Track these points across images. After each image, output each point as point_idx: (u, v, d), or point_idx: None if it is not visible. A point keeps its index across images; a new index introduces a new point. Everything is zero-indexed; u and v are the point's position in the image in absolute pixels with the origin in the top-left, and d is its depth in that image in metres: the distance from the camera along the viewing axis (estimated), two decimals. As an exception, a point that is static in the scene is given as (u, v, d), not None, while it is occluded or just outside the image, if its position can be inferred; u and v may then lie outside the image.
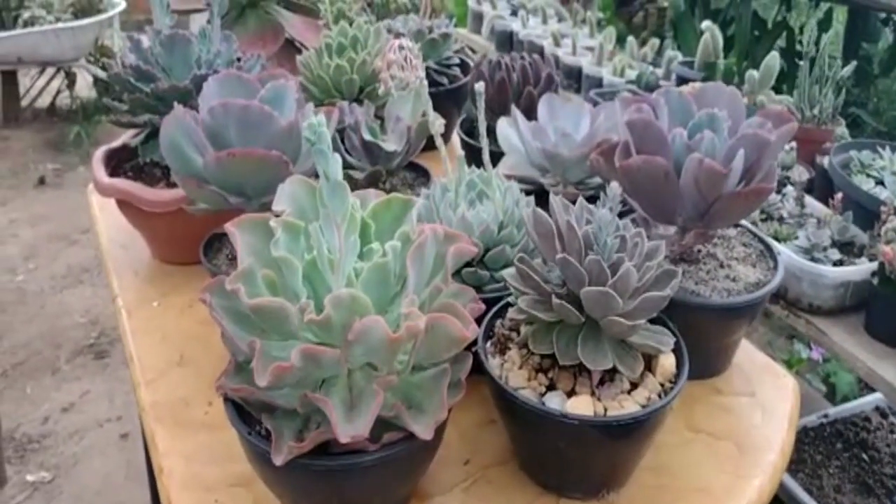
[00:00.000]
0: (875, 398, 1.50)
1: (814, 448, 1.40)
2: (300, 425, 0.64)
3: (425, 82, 0.74)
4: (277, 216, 0.66)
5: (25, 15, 3.48)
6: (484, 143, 0.76)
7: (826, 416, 1.46)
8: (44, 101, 4.04)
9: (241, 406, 0.65)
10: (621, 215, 0.86)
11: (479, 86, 0.69)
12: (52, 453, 2.02)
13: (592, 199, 0.92)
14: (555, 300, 0.66)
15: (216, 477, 0.74)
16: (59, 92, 4.03)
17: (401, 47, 0.68)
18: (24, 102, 3.99)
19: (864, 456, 1.38)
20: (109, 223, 1.16)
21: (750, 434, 0.78)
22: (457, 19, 2.26)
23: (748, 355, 0.89)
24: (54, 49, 3.45)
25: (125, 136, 1.07)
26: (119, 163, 1.05)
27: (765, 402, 0.82)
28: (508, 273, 0.72)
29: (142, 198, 0.95)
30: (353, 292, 0.58)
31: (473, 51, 2.46)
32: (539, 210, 0.69)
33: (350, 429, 0.59)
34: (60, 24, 3.48)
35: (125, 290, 1.04)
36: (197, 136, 0.72)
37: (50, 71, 3.88)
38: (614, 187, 0.67)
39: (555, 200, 0.70)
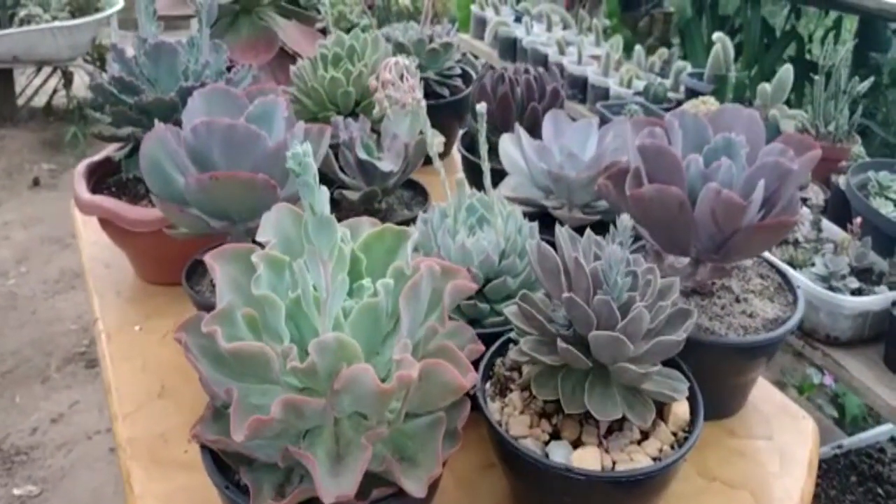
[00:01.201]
0: (890, 428, 1.44)
1: (827, 482, 1.34)
2: (282, 479, 0.59)
3: (423, 103, 0.69)
4: (262, 246, 0.61)
5: (21, 13, 3.43)
6: (485, 166, 0.71)
7: (840, 447, 1.40)
8: (40, 101, 3.98)
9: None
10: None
11: (482, 107, 0.64)
12: (40, 466, 1.97)
13: (599, 224, 0.87)
14: (560, 344, 0.61)
15: (194, 524, 0.69)
16: (55, 91, 3.98)
17: (396, 65, 0.63)
18: (20, 101, 3.94)
19: (880, 490, 1.33)
20: (93, 239, 1.11)
21: (767, 483, 0.72)
22: (459, 24, 2.21)
23: (764, 393, 0.83)
24: (51, 48, 3.40)
25: (109, 149, 1.02)
26: (102, 177, 1.00)
27: (783, 446, 0.77)
28: (510, 310, 0.67)
29: (124, 217, 0.90)
30: (339, 337, 0.53)
31: (476, 57, 2.41)
32: (543, 244, 0.63)
33: (335, 487, 0.54)
34: (57, 23, 3.43)
35: (106, 311, 0.99)
36: (178, 156, 0.67)
37: (46, 70, 3.83)
38: (625, 220, 0.62)
39: (561, 233, 0.65)
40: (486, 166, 0.70)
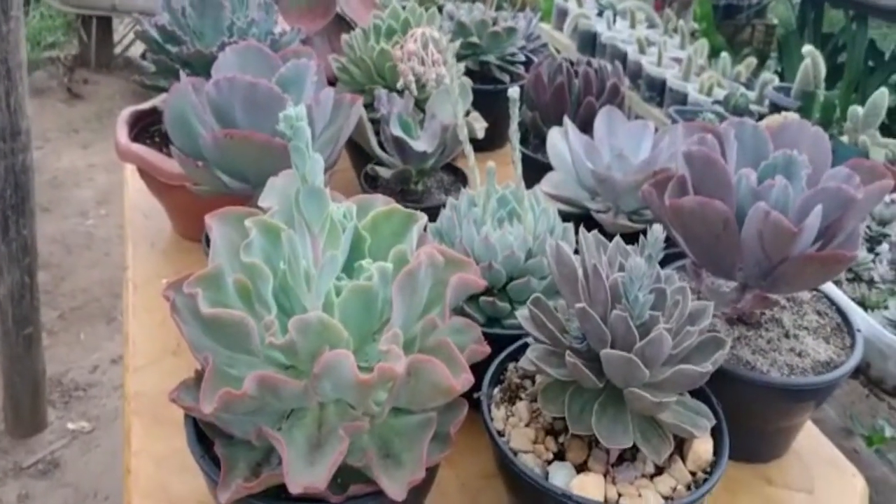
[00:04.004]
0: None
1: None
2: (259, 457, 0.56)
3: (461, 80, 0.64)
4: (265, 212, 0.58)
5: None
6: (516, 156, 0.66)
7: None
8: (136, 50, 4.09)
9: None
10: (670, 259, 0.75)
11: (514, 91, 0.59)
12: (96, 404, 2.00)
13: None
14: (568, 358, 0.56)
15: (184, 490, 0.67)
16: (150, 44, 4.08)
17: (423, 35, 0.59)
18: (117, 50, 4.06)
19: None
20: (137, 187, 1.11)
21: (801, 543, 0.66)
22: (543, 14, 2.14)
23: (812, 442, 0.75)
24: (147, 1, 3.49)
25: (158, 99, 1.01)
26: (146, 126, 0.99)
27: (824, 502, 0.69)
28: (521, 314, 0.62)
29: (157, 167, 0.89)
30: (322, 317, 0.50)
31: (559, 51, 2.34)
32: (563, 245, 0.58)
33: (307, 476, 0.51)
34: (156, -23, 3.51)
35: (138, 261, 0.99)
36: (200, 110, 0.64)
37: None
38: (657, 230, 0.56)
39: (586, 237, 0.59)
40: (516, 155, 0.65)
